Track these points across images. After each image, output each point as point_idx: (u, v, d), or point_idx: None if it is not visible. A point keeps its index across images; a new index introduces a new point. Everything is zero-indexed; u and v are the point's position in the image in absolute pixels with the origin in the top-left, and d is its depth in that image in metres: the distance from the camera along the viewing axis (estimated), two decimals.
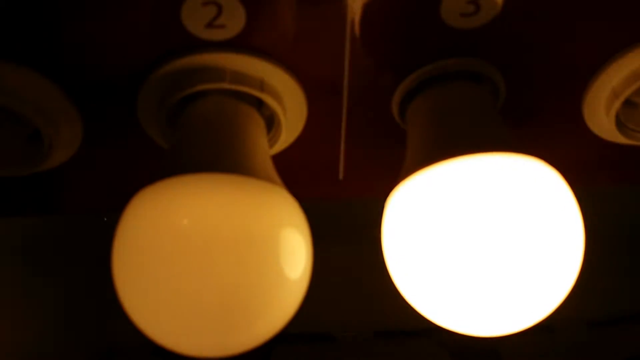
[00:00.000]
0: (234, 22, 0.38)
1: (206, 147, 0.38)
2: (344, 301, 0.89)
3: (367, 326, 0.89)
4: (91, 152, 0.45)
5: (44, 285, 0.70)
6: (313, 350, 0.80)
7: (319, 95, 0.43)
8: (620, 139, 0.46)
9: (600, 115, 0.45)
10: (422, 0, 0.38)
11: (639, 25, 0.41)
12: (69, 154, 0.45)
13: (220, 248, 0.34)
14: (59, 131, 0.42)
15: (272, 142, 0.44)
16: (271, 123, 0.43)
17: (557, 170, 0.38)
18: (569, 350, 0.80)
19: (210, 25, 0.38)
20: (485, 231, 0.35)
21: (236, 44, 0.39)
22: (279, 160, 0.45)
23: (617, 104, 0.43)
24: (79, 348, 0.80)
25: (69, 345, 0.77)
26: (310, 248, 0.38)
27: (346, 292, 0.89)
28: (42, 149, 0.42)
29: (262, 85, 0.41)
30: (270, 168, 0.39)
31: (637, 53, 0.41)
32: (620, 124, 0.45)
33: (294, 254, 0.36)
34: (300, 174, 0.49)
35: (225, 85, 0.40)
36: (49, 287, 0.71)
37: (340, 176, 0.49)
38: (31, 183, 0.46)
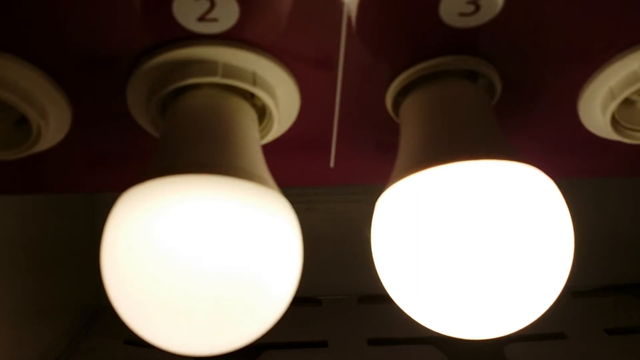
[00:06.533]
0: (227, 16, 0.37)
1: (196, 145, 0.37)
2: (330, 267, 0.90)
3: (353, 291, 0.91)
4: (80, 137, 0.44)
5: (31, 242, 0.70)
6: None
7: (312, 87, 0.42)
8: (614, 136, 0.46)
9: (596, 113, 0.45)
10: None
11: (638, 28, 0.40)
12: (58, 139, 0.44)
13: (210, 248, 0.34)
14: (46, 117, 0.41)
15: (263, 133, 0.44)
16: (263, 113, 0.43)
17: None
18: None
19: (202, 19, 0.37)
20: (475, 237, 0.35)
21: (229, 37, 0.38)
22: (269, 147, 0.45)
23: (614, 105, 0.42)
24: (67, 306, 0.81)
25: (58, 303, 0.78)
26: (301, 246, 0.38)
27: (333, 258, 0.90)
28: (30, 134, 0.42)
29: (254, 79, 0.40)
30: (261, 165, 0.39)
31: (636, 55, 0.41)
32: (615, 123, 0.44)
33: (284, 252, 0.36)
34: (291, 162, 0.49)
35: (217, 79, 0.39)
36: (36, 244, 0.71)
37: (332, 164, 0.49)
38: (18, 164, 0.46)
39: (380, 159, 0.49)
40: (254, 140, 0.40)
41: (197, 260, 0.34)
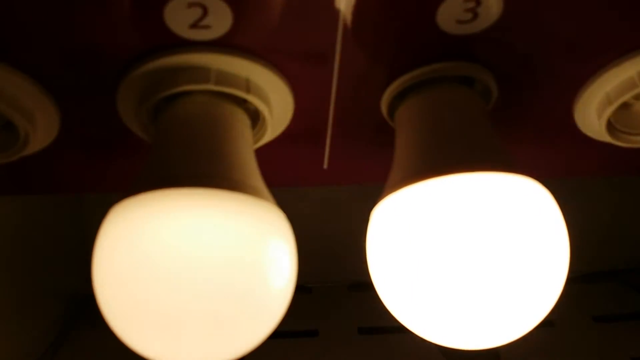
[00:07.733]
0: (220, 23, 0.36)
1: (189, 156, 0.36)
2: (319, 254, 0.89)
3: (343, 279, 0.91)
4: (69, 141, 0.44)
5: (17, 233, 0.69)
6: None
7: (307, 91, 0.42)
8: (609, 139, 0.45)
9: (592, 117, 0.44)
10: (419, 5, 0.37)
11: (635, 35, 0.40)
12: (47, 142, 0.43)
13: (203, 262, 0.34)
14: (34, 122, 0.40)
15: (256, 137, 0.43)
16: (256, 117, 0.42)
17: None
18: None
19: (195, 25, 0.36)
20: (472, 249, 0.35)
21: (222, 44, 0.38)
22: (262, 149, 0.45)
23: (610, 110, 0.42)
24: (54, 296, 0.80)
25: (45, 293, 0.77)
26: (295, 258, 0.38)
27: (322, 246, 0.89)
28: (17, 139, 0.41)
29: (248, 86, 0.39)
30: (254, 173, 0.38)
31: (634, 62, 0.40)
32: (610, 127, 0.44)
33: (279, 264, 0.36)
34: (284, 164, 0.48)
35: (210, 87, 0.38)
36: (22, 235, 0.70)
37: (325, 166, 0.48)
38: (6, 166, 0.45)
39: (373, 159, 0.48)
40: (247, 147, 0.39)
41: (191, 274, 0.33)
